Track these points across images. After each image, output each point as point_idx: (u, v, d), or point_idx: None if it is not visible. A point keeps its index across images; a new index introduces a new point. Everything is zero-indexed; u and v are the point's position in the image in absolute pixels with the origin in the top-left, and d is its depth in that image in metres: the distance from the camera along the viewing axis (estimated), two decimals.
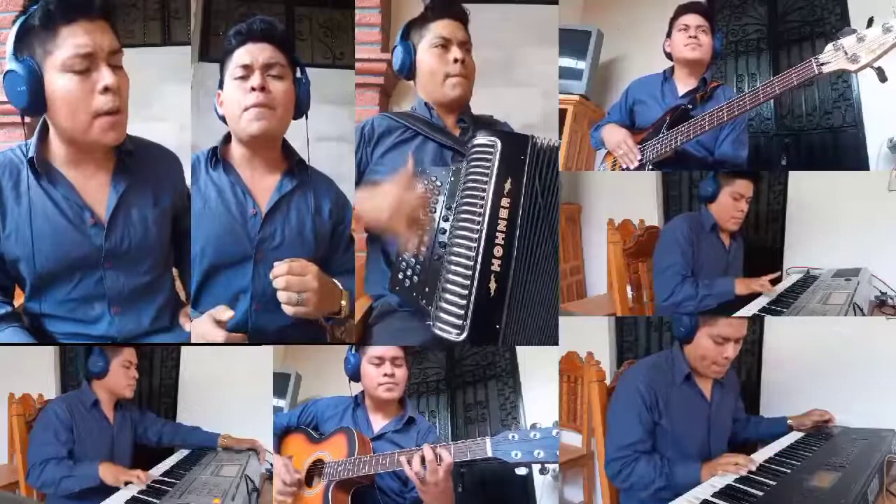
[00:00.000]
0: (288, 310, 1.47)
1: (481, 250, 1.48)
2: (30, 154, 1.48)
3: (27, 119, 1.49)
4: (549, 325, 1.56)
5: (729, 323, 1.79)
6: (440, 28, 1.76)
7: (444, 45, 1.75)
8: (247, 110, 1.57)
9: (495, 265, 1.48)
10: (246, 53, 1.57)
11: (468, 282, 1.47)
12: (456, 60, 1.74)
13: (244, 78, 1.57)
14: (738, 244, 2.22)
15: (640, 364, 1.91)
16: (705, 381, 1.85)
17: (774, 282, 2.11)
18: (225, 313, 1.48)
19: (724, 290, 2.05)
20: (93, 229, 1.52)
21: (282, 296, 1.46)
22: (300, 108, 1.65)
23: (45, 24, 1.37)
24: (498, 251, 1.49)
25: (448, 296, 1.48)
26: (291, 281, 1.46)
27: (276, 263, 1.47)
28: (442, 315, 1.48)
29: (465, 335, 1.46)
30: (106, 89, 1.40)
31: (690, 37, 2.10)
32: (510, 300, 1.49)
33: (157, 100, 2.50)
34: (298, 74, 1.64)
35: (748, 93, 1.83)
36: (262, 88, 1.56)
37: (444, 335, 1.48)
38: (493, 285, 1.47)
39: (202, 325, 1.50)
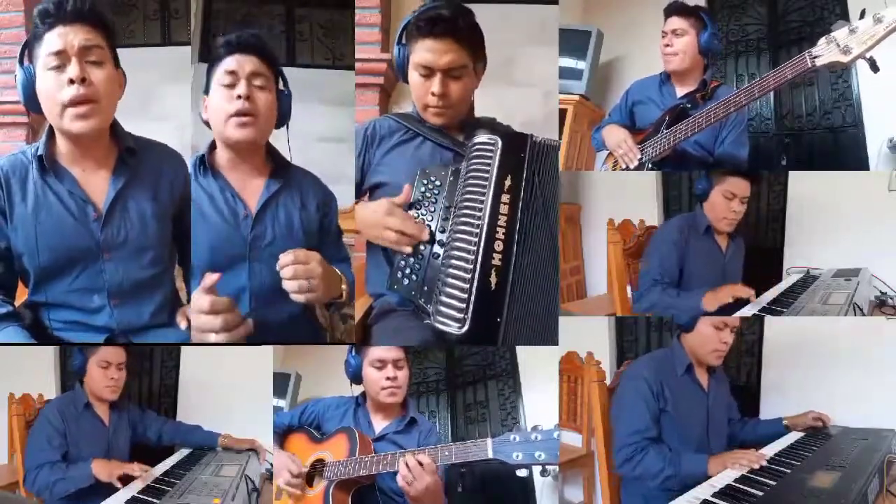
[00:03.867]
0: (298, 297, 1.48)
1: (482, 244, 1.49)
2: (39, 152, 1.57)
3: (28, 119, 1.72)
4: (549, 323, 1.56)
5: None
6: (423, 52, 1.65)
7: (426, 74, 1.67)
8: (231, 118, 1.61)
9: (496, 259, 1.49)
10: (233, 61, 1.61)
11: (469, 275, 1.48)
12: (434, 94, 1.67)
13: (230, 86, 1.61)
14: (736, 246, 2.17)
15: (641, 359, 1.94)
16: (702, 373, 1.89)
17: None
18: (209, 278, 1.43)
19: (689, 305, 1.95)
20: (95, 223, 1.59)
21: (291, 285, 1.48)
22: (282, 118, 1.70)
23: (35, 34, 1.52)
24: (498, 246, 1.50)
25: (449, 289, 1.48)
26: (298, 269, 1.48)
27: (280, 255, 1.49)
28: (442, 309, 1.48)
29: (466, 328, 1.46)
30: (71, 81, 1.49)
31: (665, 45, 2.07)
32: (511, 294, 1.49)
33: (157, 100, 2.50)
34: (281, 86, 1.69)
35: (743, 89, 1.83)
36: (248, 98, 1.60)
37: (445, 328, 1.47)
38: (493, 279, 1.48)
39: (195, 302, 1.46)
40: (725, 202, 2.05)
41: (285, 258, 1.49)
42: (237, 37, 1.64)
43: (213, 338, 1.43)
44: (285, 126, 1.72)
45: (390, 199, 1.58)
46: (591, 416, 2.24)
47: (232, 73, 1.61)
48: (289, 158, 1.75)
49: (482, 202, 1.52)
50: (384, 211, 1.57)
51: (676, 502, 1.54)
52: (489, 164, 1.55)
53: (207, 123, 1.67)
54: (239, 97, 1.59)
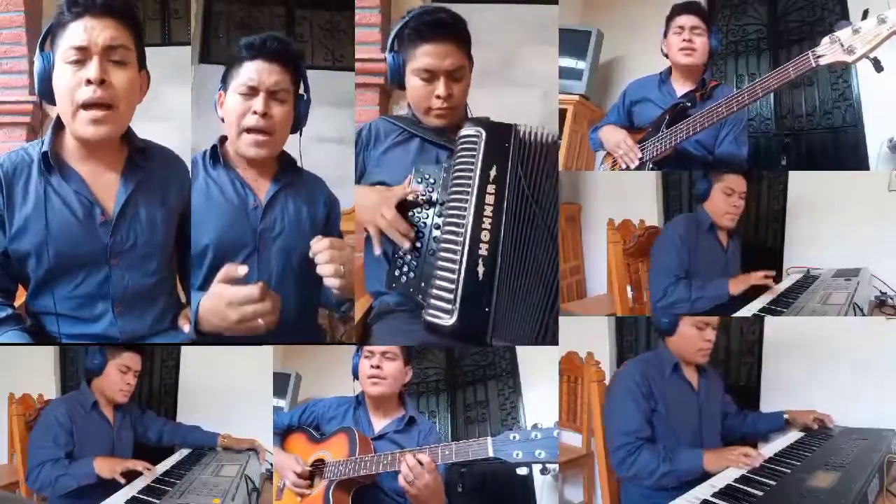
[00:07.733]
0: (333, 282, 1.49)
1: (468, 235, 1.51)
2: (44, 148, 1.51)
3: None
4: (544, 319, 1.56)
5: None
6: (425, 56, 1.67)
7: (429, 78, 1.69)
8: (246, 132, 1.61)
9: (482, 249, 1.51)
10: (254, 72, 1.59)
11: (456, 266, 1.50)
12: (439, 97, 1.69)
13: (249, 96, 1.59)
14: (735, 244, 2.21)
15: (629, 362, 1.97)
16: (691, 372, 1.90)
17: (774, 279, 2.11)
18: (239, 269, 1.42)
19: (717, 293, 2.03)
20: (103, 227, 1.54)
21: (327, 269, 1.49)
22: (297, 123, 1.69)
23: (60, 21, 1.44)
24: (485, 236, 1.52)
25: (438, 282, 1.51)
26: (335, 254, 1.49)
27: (312, 242, 1.51)
28: (432, 301, 1.50)
29: (454, 319, 1.48)
30: (88, 82, 1.42)
31: (685, 40, 2.08)
32: (499, 284, 1.51)
33: (157, 100, 2.50)
34: (301, 90, 1.68)
35: (746, 88, 1.83)
36: (264, 115, 1.59)
37: (435, 321, 1.50)
38: (480, 269, 1.50)
39: (216, 289, 1.44)
40: (725, 198, 2.11)
41: (320, 244, 1.50)
42: (261, 41, 1.60)
43: (261, 323, 1.41)
44: (299, 132, 1.71)
45: (386, 188, 1.61)
46: (591, 416, 2.24)
47: (252, 87, 1.58)
48: (299, 163, 1.75)
49: (468, 193, 1.54)
50: (381, 200, 1.59)
51: (676, 502, 1.54)
52: (474, 156, 1.56)
53: (223, 119, 1.66)
54: (255, 113, 1.58)
